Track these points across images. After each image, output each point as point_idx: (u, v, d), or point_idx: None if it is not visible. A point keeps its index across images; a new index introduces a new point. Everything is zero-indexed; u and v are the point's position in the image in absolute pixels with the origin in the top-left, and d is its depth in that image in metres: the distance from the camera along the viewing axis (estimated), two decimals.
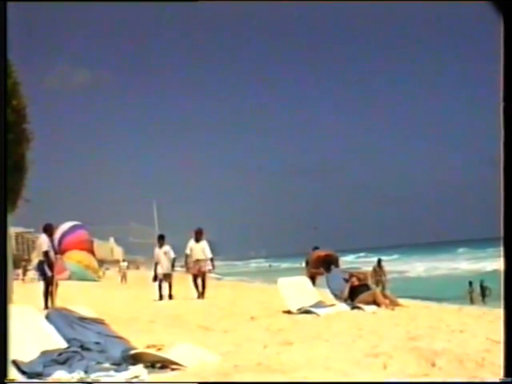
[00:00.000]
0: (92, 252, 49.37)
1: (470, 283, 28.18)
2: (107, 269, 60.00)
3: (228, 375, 5.56)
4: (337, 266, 17.67)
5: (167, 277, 19.77)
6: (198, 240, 19.16)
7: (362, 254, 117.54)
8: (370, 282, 26.42)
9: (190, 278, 19.22)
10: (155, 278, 20.02)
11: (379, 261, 27.92)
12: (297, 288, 12.99)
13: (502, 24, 3.90)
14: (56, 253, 17.23)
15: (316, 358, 6.47)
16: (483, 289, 27.74)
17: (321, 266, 18.84)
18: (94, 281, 46.55)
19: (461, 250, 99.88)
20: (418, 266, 62.40)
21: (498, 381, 4.05)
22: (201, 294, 18.77)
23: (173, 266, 19.93)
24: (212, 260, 19.28)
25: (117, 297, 22.92)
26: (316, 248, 22.20)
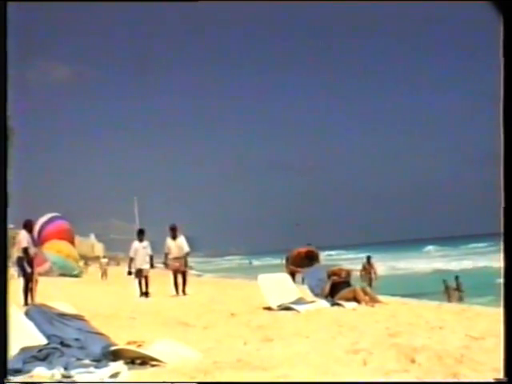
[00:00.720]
0: (72, 242, 48.44)
1: (444, 281, 28.27)
2: (88, 265, 59.76)
3: (208, 372, 5.56)
4: (317, 262, 17.71)
5: (142, 272, 19.18)
6: (174, 237, 19.01)
7: (342, 251, 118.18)
8: (360, 278, 26.73)
9: (170, 274, 19.11)
10: (130, 273, 19.62)
11: (369, 258, 27.87)
12: (277, 284, 13.01)
13: (501, 24, 3.91)
14: (36, 245, 17.11)
15: (296, 354, 6.48)
16: (458, 286, 27.81)
17: (302, 263, 18.89)
18: (75, 276, 46.17)
19: (430, 247, 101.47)
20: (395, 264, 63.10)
21: (493, 381, 4.07)
22: (182, 292, 18.58)
23: (151, 263, 19.48)
24: (186, 255, 19.10)
25: (97, 293, 22.83)
26: (309, 244, 22.27)
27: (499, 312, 11.37)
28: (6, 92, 4.17)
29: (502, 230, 3.98)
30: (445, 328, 8.59)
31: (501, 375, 5.15)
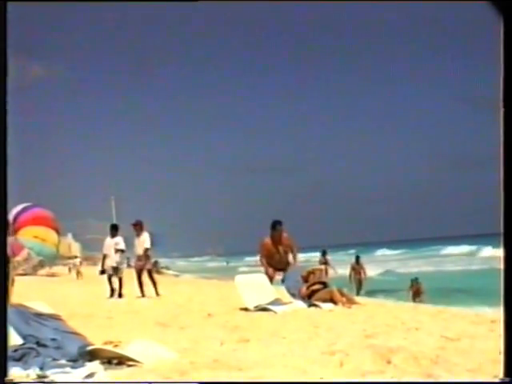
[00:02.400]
0: (52, 227, 46.98)
1: (412, 281, 28.34)
2: (65, 265, 59.45)
3: (184, 372, 5.56)
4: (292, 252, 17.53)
5: (116, 271, 18.34)
6: (138, 234, 18.13)
7: (317, 253, 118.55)
8: (349, 279, 26.77)
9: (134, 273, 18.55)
10: (103, 272, 18.84)
11: (357, 258, 28.16)
12: (254, 285, 13.02)
13: (502, 24, 3.93)
14: (10, 234, 16.87)
15: (273, 355, 6.49)
16: (418, 288, 27.79)
17: (272, 255, 18.81)
18: (54, 259, 45.26)
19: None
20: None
21: (497, 381, 4.10)
22: (155, 293, 17.85)
23: (128, 260, 19.02)
24: (146, 251, 18.07)
25: (73, 293, 22.72)
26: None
27: (475, 314, 11.50)
28: (5, 92, 4.17)
29: (500, 230, 4.00)
30: (421, 329, 8.64)
31: (475, 376, 5.21)
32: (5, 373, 4.35)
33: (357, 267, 27.74)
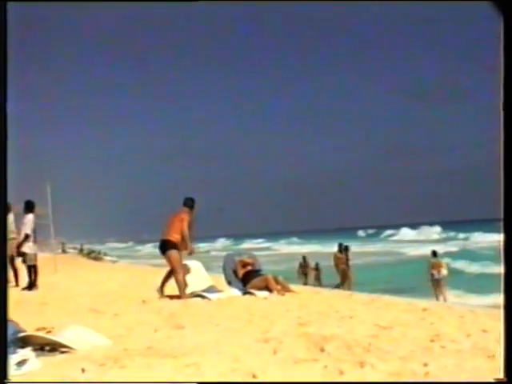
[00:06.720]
0: None
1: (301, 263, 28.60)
2: None
3: (118, 359, 5.52)
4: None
5: (25, 258, 15.62)
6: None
7: (260, 240, 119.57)
8: (335, 268, 25.59)
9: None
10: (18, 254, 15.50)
11: (343, 246, 26.21)
12: (190, 272, 12.97)
13: (502, 24, 3.94)
14: None
15: (207, 342, 6.49)
16: (317, 270, 27.97)
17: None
18: None
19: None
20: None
21: (494, 381, 4.14)
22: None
23: (35, 241, 15.76)
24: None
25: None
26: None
27: (408, 302, 11.64)
28: (5, 92, 4.09)
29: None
30: (354, 317, 8.71)
31: (407, 364, 5.28)
32: (5, 373, 4.28)
33: (339, 255, 25.92)
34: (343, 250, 26.08)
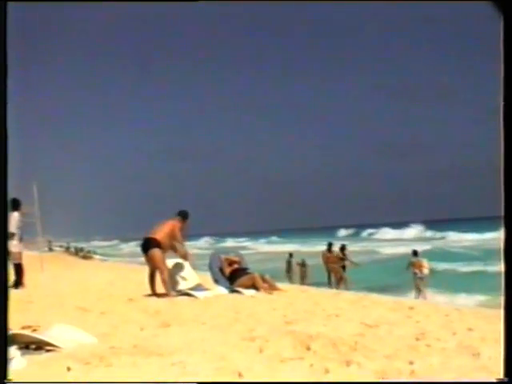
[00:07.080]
0: None
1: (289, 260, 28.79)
2: None
3: (104, 357, 5.50)
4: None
5: (12, 255, 14.81)
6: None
7: (242, 239, 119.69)
8: (325, 266, 25.41)
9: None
10: None
11: (341, 245, 26.32)
12: (176, 270, 12.95)
13: (501, 24, 3.94)
14: None
15: (193, 340, 6.48)
16: (304, 266, 27.94)
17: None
18: None
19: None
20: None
21: (495, 381, 4.14)
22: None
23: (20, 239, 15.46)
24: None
25: None
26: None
27: (394, 300, 11.69)
28: (5, 92, 4.07)
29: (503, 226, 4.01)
30: (341, 316, 8.73)
31: (392, 363, 5.29)
32: (5, 373, 4.27)
33: (329, 254, 25.75)
34: (340, 249, 26.17)
